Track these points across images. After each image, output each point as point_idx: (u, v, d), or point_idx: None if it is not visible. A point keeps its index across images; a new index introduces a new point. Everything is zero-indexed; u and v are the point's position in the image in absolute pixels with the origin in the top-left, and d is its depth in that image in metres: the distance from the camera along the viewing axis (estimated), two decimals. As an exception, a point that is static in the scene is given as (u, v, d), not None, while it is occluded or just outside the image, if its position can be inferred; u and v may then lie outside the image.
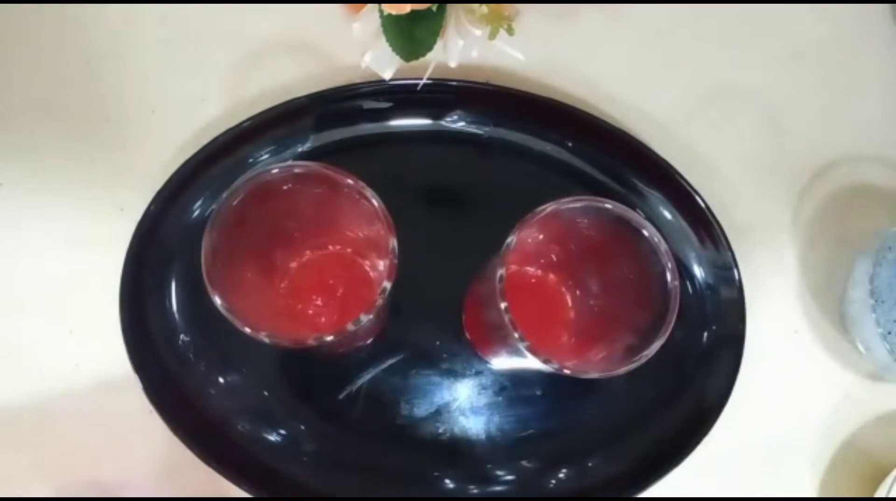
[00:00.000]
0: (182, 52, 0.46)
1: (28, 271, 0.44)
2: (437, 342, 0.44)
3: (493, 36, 0.41)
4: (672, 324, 0.32)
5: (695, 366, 0.44)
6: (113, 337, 0.42)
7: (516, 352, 0.33)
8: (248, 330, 0.31)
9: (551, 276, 0.41)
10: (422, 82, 0.43)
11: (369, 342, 0.43)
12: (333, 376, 0.43)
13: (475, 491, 0.43)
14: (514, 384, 0.44)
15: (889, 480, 0.43)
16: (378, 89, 0.44)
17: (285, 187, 0.34)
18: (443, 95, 0.44)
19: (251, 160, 0.44)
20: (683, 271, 0.44)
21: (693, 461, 0.42)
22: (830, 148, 0.48)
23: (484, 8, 0.40)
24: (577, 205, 0.33)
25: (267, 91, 0.46)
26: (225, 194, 0.32)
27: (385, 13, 0.39)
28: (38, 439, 0.43)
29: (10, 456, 0.42)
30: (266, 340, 0.32)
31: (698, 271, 0.44)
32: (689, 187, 0.44)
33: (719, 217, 0.44)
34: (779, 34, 0.49)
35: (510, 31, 0.41)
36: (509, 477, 0.43)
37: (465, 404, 0.43)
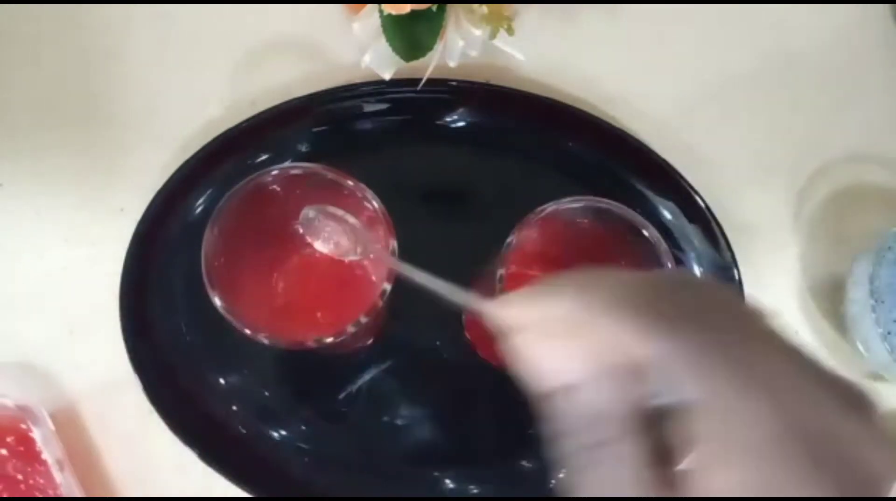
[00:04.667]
0: (182, 52, 0.46)
1: (28, 270, 0.44)
2: (437, 343, 0.44)
3: (493, 36, 0.41)
4: (672, 324, 0.32)
5: (695, 366, 0.44)
6: (113, 337, 0.42)
7: (516, 352, 0.33)
8: (247, 331, 0.31)
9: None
10: (422, 82, 0.43)
11: (369, 342, 0.43)
12: (334, 376, 0.43)
13: (475, 491, 0.43)
14: (513, 384, 0.44)
15: (889, 480, 0.43)
16: (378, 89, 0.44)
17: (285, 189, 0.34)
18: (443, 95, 0.44)
19: (251, 161, 0.44)
20: (683, 272, 0.44)
21: (693, 461, 0.42)
22: (830, 148, 0.48)
23: (484, 8, 0.40)
24: (577, 205, 0.33)
25: (267, 91, 0.45)
26: (225, 195, 0.32)
27: (385, 13, 0.39)
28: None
29: (10, 456, 0.43)
30: (265, 341, 0.32)
31: (698, 271, 0.44)
32: (689, 187, 0.44)
33: (719, 217, 0.44)
34: (779, 34, 0.49)
35: (510, 31, 0.41)
36: (509, 477, 0.43)
37: (465, 404, 0.43)
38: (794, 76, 0.49)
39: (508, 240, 0.33)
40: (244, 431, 0.42)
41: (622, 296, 0.21)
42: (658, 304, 0.21)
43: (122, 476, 0.43)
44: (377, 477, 0.43)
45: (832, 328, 0.46)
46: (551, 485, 0.43)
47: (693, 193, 0.44)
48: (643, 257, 0.33)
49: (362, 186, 0.33)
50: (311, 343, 0.32)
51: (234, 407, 0.43)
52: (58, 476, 0.39)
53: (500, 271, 0.32)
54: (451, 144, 0.45)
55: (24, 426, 0.39)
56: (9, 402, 0.40)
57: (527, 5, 0.47)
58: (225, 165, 0.43)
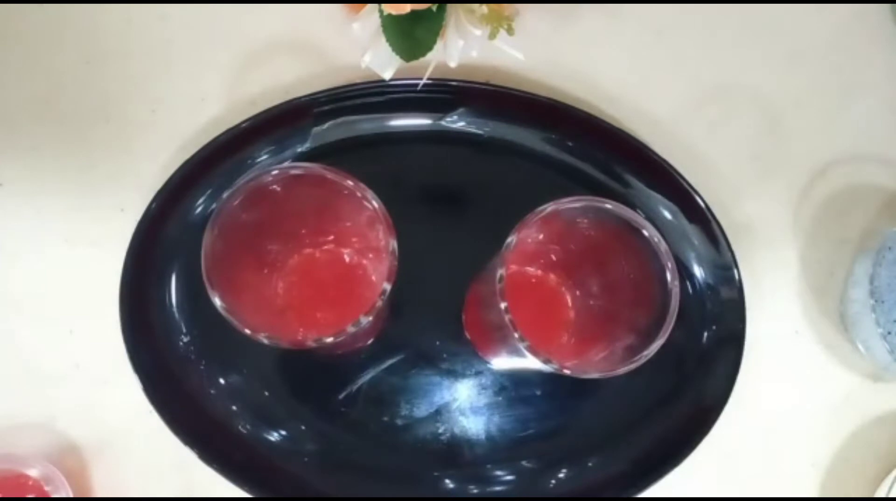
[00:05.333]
0: (182, 52, 0.46)
1: (28, 270, 0.44)
2: (437, 342, 0.44)
3: (493, 36, 0.41)
4: (672, 324, 0.32)
5: (695, 366, 0.44)
6: (113, 337, 0.42)
7: (516, 352, 0.33)
8: (247, 331, 0.31)
9: (551, 276, 0.41)
10: (422, 82, 0.43)
11: (369, 342, 0.43)
12: (334, 376, 0.43)
13: (475, 491, 0.43)
14: (514, 384, 0.44)
15: (889, 480, 0.43)
16: (378, 89, 0.44)
17: (285, 188, 0.34)
18: (443, 95, 0.44)
19: (251, 160, 0.44)
20: (683, 271, 0.44)
21: (693, 461, 0.42)
22: (830, 148, 0.48)
23: (484, 8, 0.40)
24: (577, 205, 0.33)
25: (267, 91, 0.45)
26: (225, 195, 0.32)
27: (385, 13, 0.39)
28: (39, 439, 0.43)
29: (10, 456, 0.42)
30: (265, 341, 0.32)
31: (698, 271, 0.44)
32: (689, 187, 0.44)
33: (719, 217, 0.44)
34: (779, 34, 0.49)
35: (510, 31, 0.41)
36: (509, 477, 0.43)
37: (465, 404, 0.43)
38: (794, 76, 0.49)
39: (508, 240, 0.33)
40: (244, 431, 0.42)
41: None
42: None
43: (122, 475, 0.43)
44: (377, 477, 0.43)
45: (832, 328, 0.46)
46: (551, 485, 0.43)
47: (693, 193, 0.44)
48: (643, 257, 0.33)
49: (362, 186, 0.33)
50: (311, 343, 0.32)
51: (234, 407, 0.43)
52: None
53: (500, 271, 0.32)
54: (451, 144, 0.45)
55: (48, 487, 0.40)
56: (33, 472, 0.40)
57: (527, 5, 0.47)
58: (225, 165, 0.43)
